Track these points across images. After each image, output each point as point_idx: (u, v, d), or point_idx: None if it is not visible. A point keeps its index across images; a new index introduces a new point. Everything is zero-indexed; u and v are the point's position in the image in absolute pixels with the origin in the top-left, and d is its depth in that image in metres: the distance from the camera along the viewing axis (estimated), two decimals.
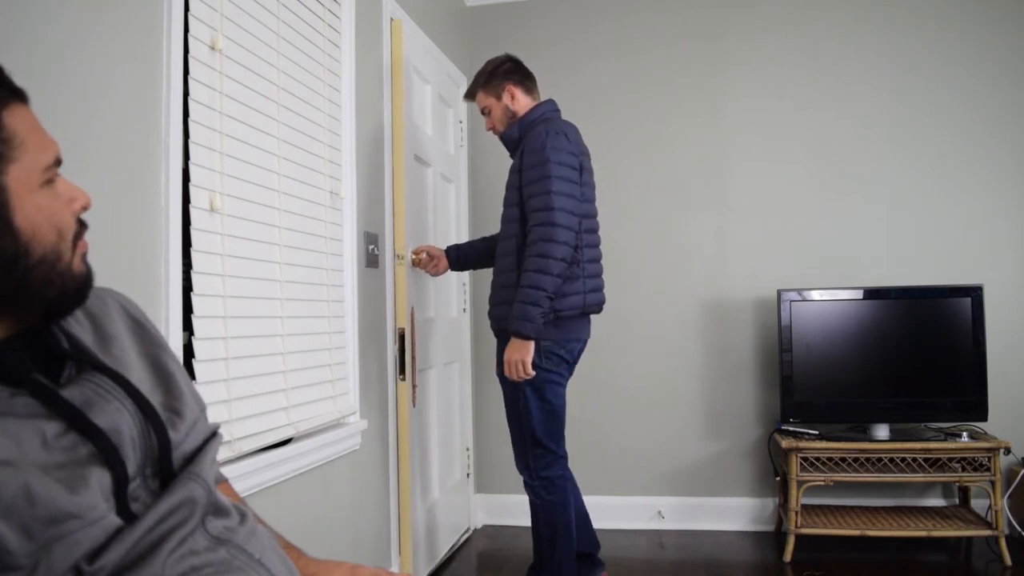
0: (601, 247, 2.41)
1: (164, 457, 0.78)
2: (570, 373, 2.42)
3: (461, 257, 2.71)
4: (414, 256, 2.66)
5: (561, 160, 2.20)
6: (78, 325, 0.82)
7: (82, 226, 0.80)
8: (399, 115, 2.58)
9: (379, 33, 2.57)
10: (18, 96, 0.76)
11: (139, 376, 0.83)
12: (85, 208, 0.80)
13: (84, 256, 0.80)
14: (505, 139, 2.44)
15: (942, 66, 3.29)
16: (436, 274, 2.75)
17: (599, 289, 2.37)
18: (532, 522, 2.39)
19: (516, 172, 2.32)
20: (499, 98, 2.41)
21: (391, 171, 2.61)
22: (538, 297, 2.16)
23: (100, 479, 0.70)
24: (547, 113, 2.40)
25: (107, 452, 0.72)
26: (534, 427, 2.31)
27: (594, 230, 2.36)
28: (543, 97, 2.48)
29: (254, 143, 1.77)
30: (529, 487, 2.36)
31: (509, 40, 3.58)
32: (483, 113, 2.49)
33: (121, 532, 0.70)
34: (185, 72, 1.53)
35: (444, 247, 2.77)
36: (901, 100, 3.31)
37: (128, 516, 0.72)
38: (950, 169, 3.28)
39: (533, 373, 2.24)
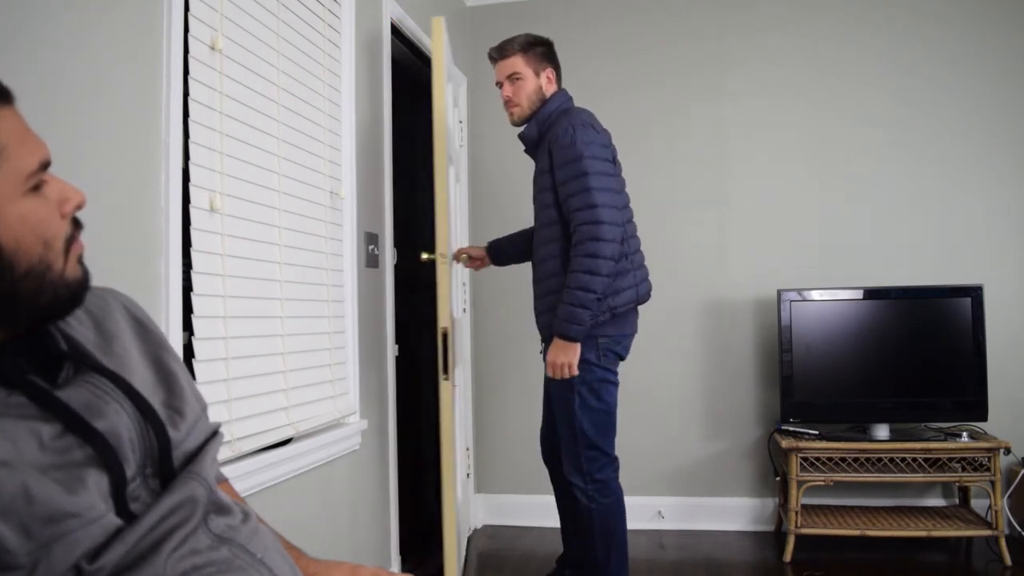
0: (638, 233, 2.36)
1: (164, 457, 0.78)
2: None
3: (501, 254, 2.67)
4: (455, 258, 2.68)
5: (595, 154, 2.13)
6: (79, 324, 0.82)
7: (76, 227, 0.77)
8: (440, 114, 2.46)
9: (379, 33, 2.57)
10: (1, 98, 0.72)
11: (141, 375, 0.83)
12: (79, 207, 0.77)
13: (80, 258, 0.77)
14: (525, 137, 2.38)
15: (942, 66, 3.29)
16: (478, 269, 2.84)
17: (646, 278, 2.34)
18: (580, 526, 2.30)
19: (547, 172, 2.24)
20: (537, 74, 2.31)
21: (391, 171, 2.61)
22: (587, 300, 2.11)
23: (98, 481, 0.70)
24: (564, 104, 2.32)
25: (105, 454, 0.71)
26: (588, 429, 2.22)
27: (630, 219, 2.31)
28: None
29: (254, 143, 1.77)
30: (582, 492, 2.25)
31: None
32: (507, 79, 2.33)
33: (122, 531, 0.70)
34: (185, 72, 1.53)
35: (483, 243, 2.75)
36: (901, 100, 3.31)
37: (128, 516, 0.72)
38: (950, 169, 3.28)
39: (577, 373, 2.19)
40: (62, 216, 0.75)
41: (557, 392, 2.29)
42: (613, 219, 2.11)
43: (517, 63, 2.32)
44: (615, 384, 2.28)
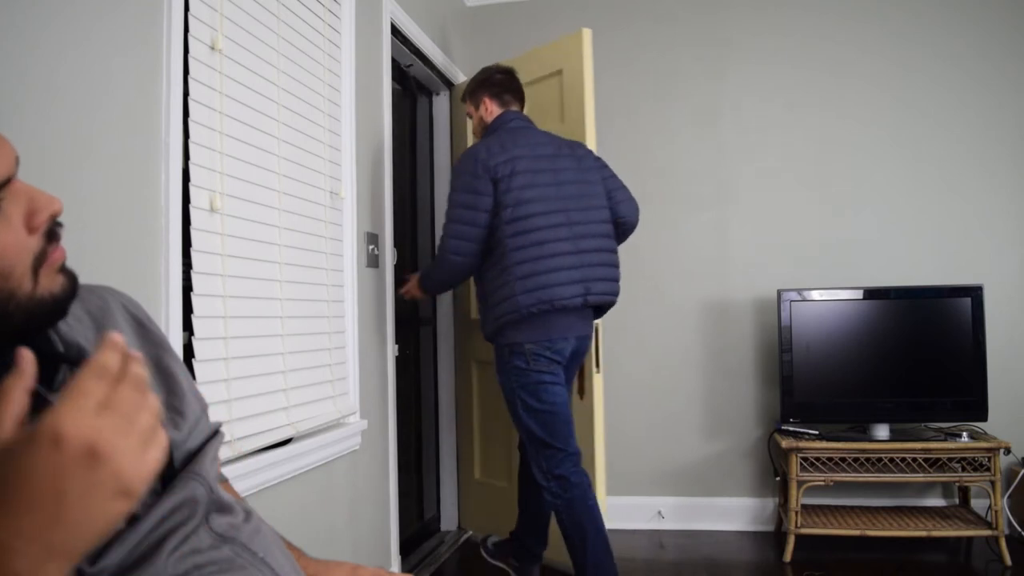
0: (557, 232, 2.28)
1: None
2: (571, 371, 2.42)
3: None
4: None
5: (460, 186, 2.33)
6: (78, 324, 0.81)
7: (51, 239, 0.70)
8: (591, 119, 2.73)
9: (379, 33, 2.57)
10: None
11: None
12: (54, 216, 0.70)
13: (61, 267, 0.72)
14: None
15: (942, 66, 3.29)
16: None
17: (547, 286, 2.23)
18: (560, 528, 2.33)
19: None
20: (477, 108, 2.54)
21: (391, 171, 2.61)
22: (428, 272, 2.51)
23: None
24: (496, 124, 2.46)
25: None
26: (536, 429, 2.30)
27: (529, 230, 2.26)
28: None
29: (254, 143, 1.77)
30: (547, 491, 2.31)
31: (509, 40, 3.58)
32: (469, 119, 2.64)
33: (122, 533, 0.70)
34: (185, 72, 1.53)
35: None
36: (901, 100, 3.31)
37: (129, 517, 0.72)
38: (950, 169, 3.28)
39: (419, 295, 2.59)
40: (32, 231, 0.69)
41: (506, 401, 2.39)
42: (454, 249, 2.33)
43: (466, 107, 2.62)
44: (556, 384, 2.32)
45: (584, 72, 2.72)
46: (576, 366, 2.46)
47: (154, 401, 0.58)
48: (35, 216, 0.69)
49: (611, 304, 2.41)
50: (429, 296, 2.92)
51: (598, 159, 2.51)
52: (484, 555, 2.73)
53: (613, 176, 2.50)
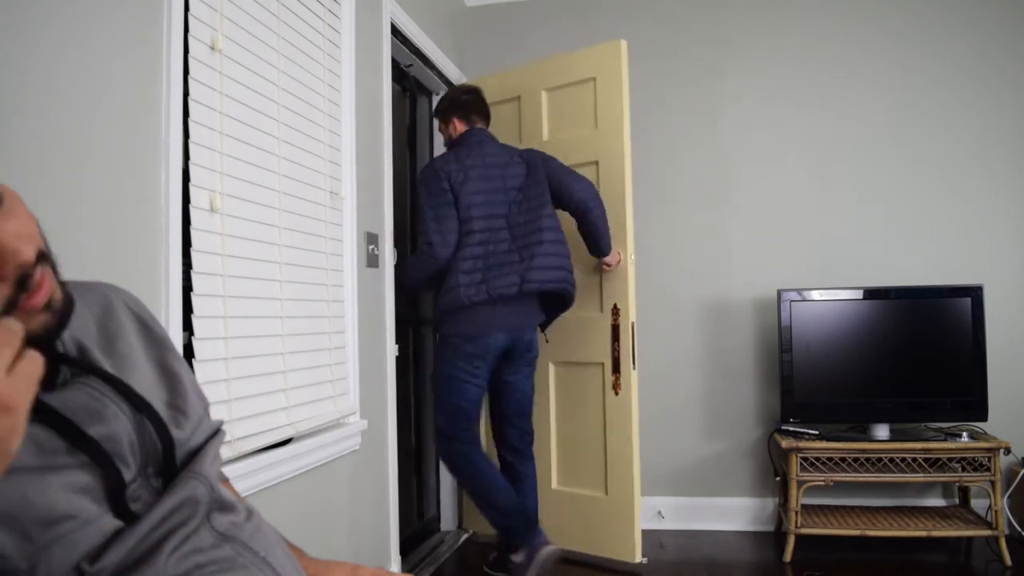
0: (499, 235, 2.53)
1: (168, 456, 0.78)
2: (515, 365, 2.64)
3: None
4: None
5: (429, 192, 2.56)
6: (81, 322, 0.81)
7: (22, 288, 0.66)
8: (627, 127, 2.88)
9: (379, 33, 2.57)
10: None
11: (144, 375, 0.83)
12: (23, 267, 0.66)
13: (46, 305, 0.68)
14: None
15: (943, 66, 3.29)
16: None
17: (486, 279, 2.49)
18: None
19: None
20: (446, 126, 2.75)
21: (391, 171, 2.61)
22: (402, 276, 2.69)
23: (92, 484, 0.70)
24: (459, 139, 2.69)
25: (98, 459, 0.71)
26: (439, 413, 2.60)
27: (475, 230, 2.52)
28: None
29: (254, 143, 1.77)
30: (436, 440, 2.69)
31: (509, 40, 3.58)
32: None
33: (122, 533, 0.70)
34: (185, 72, 1.53)
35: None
36: (901, 100, 3.31)
37: (130, 517, 0.72)
38: (950, 169, 3.28)
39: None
40: None
41: (431, 378, 2.70)
42: (437, 232, 2.53)
43: (437, 123, 2.85)
44: (469, 383, 2.55)
45: (622, 82, 2.86)
46: (521, 361, 2.65)
47: (15, 326, 0.59)
48: (2, 265, 0.66)
49: (560, 293, 2.61)
50: (407, 292, 3.01)
51: (548, 159, 2.71)
52: (488, 572, 2.79)
53: (560, 166, 2.69)
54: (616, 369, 2.87)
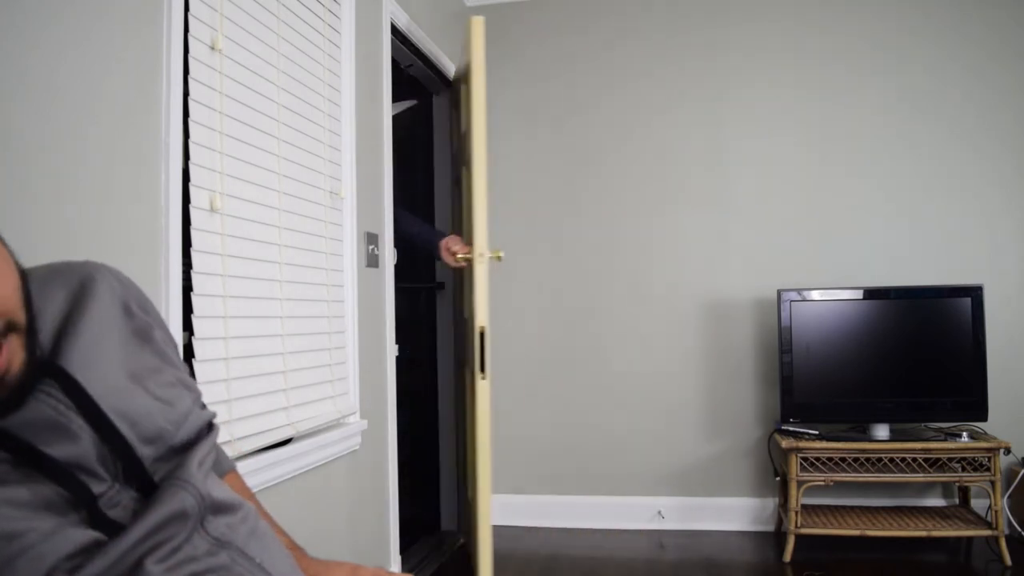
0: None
1: (129, 463, 0.75)
2: None
3: None
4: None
5: None
6: (50, 305, 0.78)
7: None
8: (480, 109, 2.53)
9: (379, 33, 2.57)
10: None
11: (109, 365, 0.78)
12: None
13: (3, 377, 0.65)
14: None
15: (943, 66, 3.29)
16: None
17: None
18: None
19: None
20: None
21: (391, 171, 2.61)
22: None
23: (56, 499, 0.69)
24: None
25: (60, 478, 0.70)
26: None
27: None
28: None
29: (254, 143, 1.77)
30: None
31: (509, 40, 3.58)
32: None
33: (104, 546, 0.68)
34: (185, 72, 1.53)
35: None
36: (902, 100, 3.31)
37: (108, 524, 0.71)
38: (950, 169, 3.28)
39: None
40: None
41: None
42: None
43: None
44: None
45: (479, 65, 2.56)
46: None
47: None
48: None
49: None
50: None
51: None
52: None
53: None
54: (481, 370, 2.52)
